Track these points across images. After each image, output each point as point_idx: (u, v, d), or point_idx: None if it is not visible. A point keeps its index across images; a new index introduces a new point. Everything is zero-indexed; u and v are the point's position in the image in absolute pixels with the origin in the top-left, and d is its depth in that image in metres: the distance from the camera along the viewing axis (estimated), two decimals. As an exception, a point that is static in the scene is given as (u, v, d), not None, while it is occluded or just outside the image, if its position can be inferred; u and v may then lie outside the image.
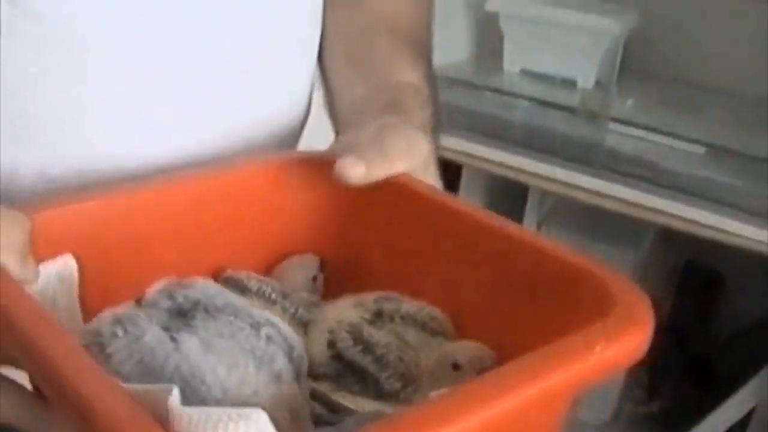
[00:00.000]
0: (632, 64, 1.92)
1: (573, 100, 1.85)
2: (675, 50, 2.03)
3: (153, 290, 0.54)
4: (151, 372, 0.48)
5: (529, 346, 0.44)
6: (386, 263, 0.61)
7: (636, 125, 1.76)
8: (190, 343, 0.48)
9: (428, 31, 0.86)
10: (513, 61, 1.99)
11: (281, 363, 0.49)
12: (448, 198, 0.61)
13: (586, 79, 1.92)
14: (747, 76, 1.94)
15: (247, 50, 0.71)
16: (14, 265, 0.49)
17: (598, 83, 1.92)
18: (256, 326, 0.50)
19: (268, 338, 0.50)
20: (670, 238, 1.90)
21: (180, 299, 0.52)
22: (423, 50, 0.82)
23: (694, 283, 2.12)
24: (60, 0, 0.62)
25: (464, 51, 2.07)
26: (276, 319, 0.52)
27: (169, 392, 0.42)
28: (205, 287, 0.53)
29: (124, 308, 0.52)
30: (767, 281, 2.00)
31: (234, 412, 0.42)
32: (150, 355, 0.48)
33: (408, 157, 0.60)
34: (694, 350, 2.11)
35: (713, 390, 1.92)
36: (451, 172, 1.95)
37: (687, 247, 2.06)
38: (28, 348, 0.44)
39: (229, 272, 0.60)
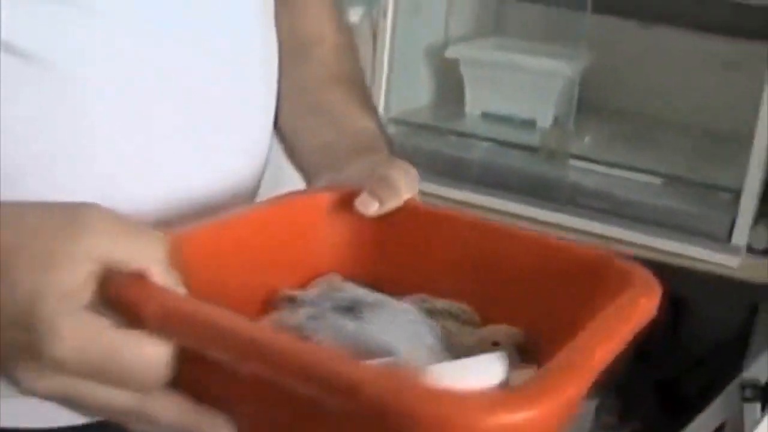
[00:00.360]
0: (588, 103, 1.98)
1: (533, 139, 1.91)
2: (628, 87, 2.10)
3: (309, 295, 0.64)
4: (361, 355, 0.55)
5: (564, 323, 0.57)
6: (407, 274, 0.70)
7: (594, 160, 1.83)
8: (373, 329, 0.57)
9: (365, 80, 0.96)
10: (474, 104, 2.04)
11: (431, 339, 0.59)
12: (455, 212, 0.73)
13: (544, 119, 1.98)
14: (697, 109, 2.02)
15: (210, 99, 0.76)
16: (163, 277, 0.53)
17: (556, 122, 1.98)
18: (404, 312, 0.60)
19: (417, 321, 0.60)
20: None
21: (339, 299, 0.62)
22: (369, 97, 0.92)
23: (659, 309, 2.16)
24: (53, 44, 0.65)
25: (427, 96, 2.12)
26: (411, 306, 0.61)
27: (399, 362, 0.52)
28: (352, 288, 0.65)
29: (290, 311, 0.61)
30: (729, 303, 2.06)
31: (475, 358, 0.52)
32: (354, 339, 0.57)
33: (410, 186, 0.71)
34: (662, 374, 2.15)
35: (682, 412, 1.97)
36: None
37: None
38: (261, 348, 0.49)
39: (286, 291, 0.67)
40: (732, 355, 1.92)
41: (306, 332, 0.58)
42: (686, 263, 1.63)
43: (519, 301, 0.66)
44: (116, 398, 0.52)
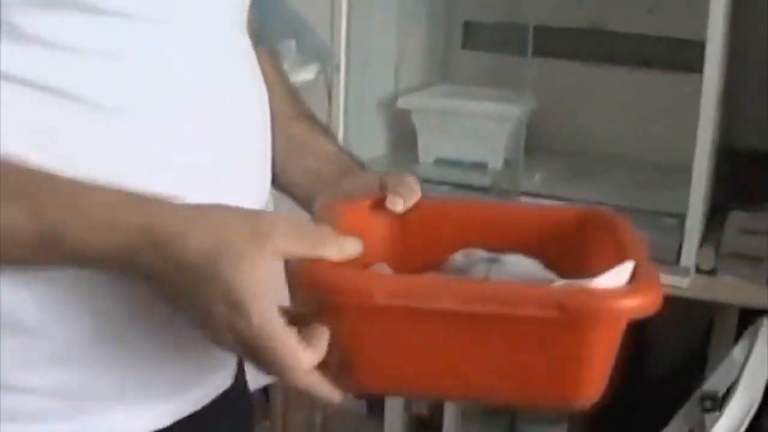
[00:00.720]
0: (535, 142, 2.05)
1: (485, 180, 1.99)
2: (572, 126, 2.19)
3: (457, 258, 0.87)
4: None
5: (573, 259, 0.84)
6: (435, 250, 0.89)
7: (545, 196, 1.90)
8: (524, 269, 0.84)
9: None
10: (427, 151, 2.11)
11: (541, 274, 0.84)
12: (458, 199, 0.99)
13: (495, 161, 2.05)
14: (640, 142, 2.11)
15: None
16: (338, 254, 0.73)
17: (506, 163, 2.05)
18: (517, 258, 0.85)
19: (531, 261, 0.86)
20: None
21: (484, 259, 0.85)
22: (325, 126, 1.08)
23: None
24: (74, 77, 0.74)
25: (382, 147, 2.19)
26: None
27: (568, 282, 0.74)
28: (479, 252, 0.87)
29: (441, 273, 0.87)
30: (686, 324, 2.13)
31: (616, 270, 0.73)
32: (523, 276, 0.82)
33: (419, 187, 0.91)
34: (626, 398, 2.22)
35: (649, 433, 2.04)
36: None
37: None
38: (488, 291, 0.72)
39: None
40: (693, 373, 1.99)
41: (492, 279, 0.81)
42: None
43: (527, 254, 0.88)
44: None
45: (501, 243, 0.88)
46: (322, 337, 0.71)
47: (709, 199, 1.82)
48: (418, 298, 0.70)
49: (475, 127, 2.04)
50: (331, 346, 0.72)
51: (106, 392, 0.81)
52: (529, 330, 0.71)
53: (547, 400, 0.80)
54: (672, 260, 1.72)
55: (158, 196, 0.73)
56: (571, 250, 0.87)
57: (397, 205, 0.89)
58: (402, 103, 2.11)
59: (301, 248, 0.71)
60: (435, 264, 0.88)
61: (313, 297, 0.72)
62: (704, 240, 1.79)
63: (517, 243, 0.88)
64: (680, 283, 1.72)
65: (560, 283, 0.75)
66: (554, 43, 2.17)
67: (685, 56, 1.92)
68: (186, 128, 0.80)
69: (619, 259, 0.75)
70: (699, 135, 1.69)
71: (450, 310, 0.70)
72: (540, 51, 2.08)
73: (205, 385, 0.89)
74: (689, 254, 1.73)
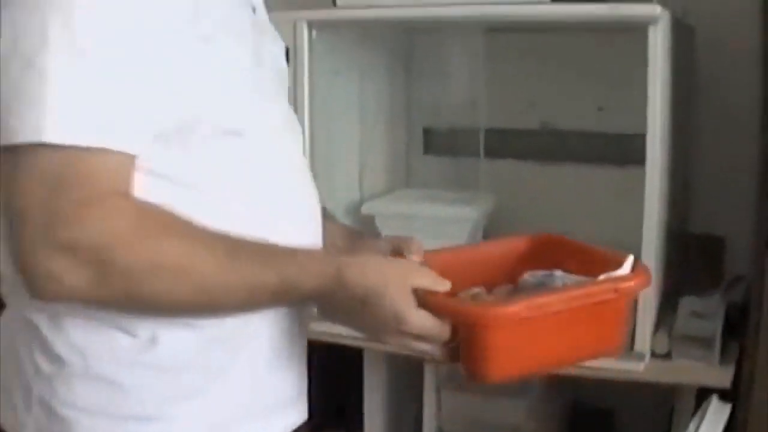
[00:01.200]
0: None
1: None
2: (528, 222, 2.18)
3: (527, 278, 1.19)
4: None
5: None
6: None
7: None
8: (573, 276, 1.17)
9: None
10: (392, 254, 2.17)
11: (578, 277, 1.16)
12: (449, 248, 1.38)
13: (456, 262, 2.12)
14: (591, 235, 2.13)
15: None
16: (431, 283, 1.07)
17: (468, 262, 2.12)
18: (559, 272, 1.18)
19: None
20: (557, 383, 2.08)
21: (544, 273, 1.17)
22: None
23: (584, 423, 2.27)
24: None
25: (348, 251, 2.25)
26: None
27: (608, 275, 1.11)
28: (539, 271, 1.18)
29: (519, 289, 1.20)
30: (650, 410, 2.19)
31: (627, 261, 1.12)
32: (578, 279, 1.13)
33: (423, 244, 1.25)
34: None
35: None
36: (353, 357, 2.06)
37: (574, 389, 2.24)
38: (575, 295, 1.09)
39: None
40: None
41: (549, 286, 1.14)
42: (597, 374, 1.73)
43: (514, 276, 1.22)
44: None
45: (494, 272, 1.25)
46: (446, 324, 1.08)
47: (662, 286, 1.90)
48: (538, 309, 1.05)
49: (437, 230, 2.11)
50: (465, 351, 1.07)
51: (230, 416, 1.11)
52: (597, 309, 1.09)
53: (602, 353, 1.15)
54: (626, 346, 1.76)
55: (336, 252, 1.20)
56: (546, 262, 1.21)
57: (413, 258, 1.20)
58: (366, 209, 2.19)
59: (427, 284, 1.07)
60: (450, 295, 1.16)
61: (453, 321, 1.06)
62: (658, 324, 1.87)
63: (508, 269, 1.24)
64: (636, 367, 1.78)
65: (603, 277, 1.10)
66: (509, 144, 2.28)
67: (634, 150, 1.96)
68: (272, 205, 1.12)
69: (597, 261, 1.14)
70: (645, 227, 1.78)
71: (556, 311, 1.06)
72: (495, 152, 2.17)
73: (287, 414, 1.20)
74: (643, 340, 1.80)
